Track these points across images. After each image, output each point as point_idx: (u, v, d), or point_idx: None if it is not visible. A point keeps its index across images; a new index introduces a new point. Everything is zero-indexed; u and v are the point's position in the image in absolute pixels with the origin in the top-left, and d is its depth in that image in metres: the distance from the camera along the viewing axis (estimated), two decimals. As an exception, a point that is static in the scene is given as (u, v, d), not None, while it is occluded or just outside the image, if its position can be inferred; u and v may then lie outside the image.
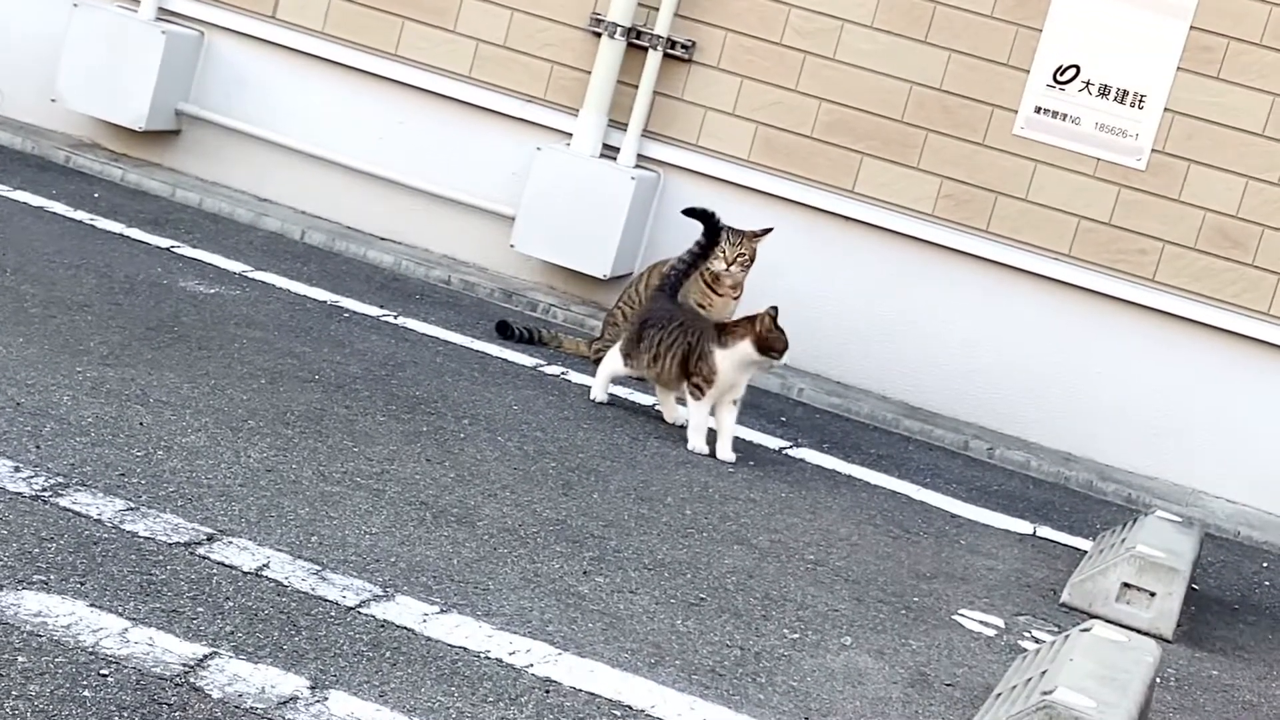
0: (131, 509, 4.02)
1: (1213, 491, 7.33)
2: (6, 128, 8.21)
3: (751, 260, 6.72)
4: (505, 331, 6.85)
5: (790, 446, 6.40)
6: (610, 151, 7.79)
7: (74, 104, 8.22)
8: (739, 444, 6.22)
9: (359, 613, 3.79)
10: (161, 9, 8.20)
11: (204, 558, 3.86)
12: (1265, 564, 6.61)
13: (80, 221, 6.96)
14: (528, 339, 6.88)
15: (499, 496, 4.86)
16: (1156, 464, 7.37)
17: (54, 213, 6.98)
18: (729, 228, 6.72)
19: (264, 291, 6.61)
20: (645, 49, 7.72)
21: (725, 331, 6.00)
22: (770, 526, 5.31)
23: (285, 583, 3.84)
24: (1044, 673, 3.91)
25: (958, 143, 7.50)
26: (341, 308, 6.67)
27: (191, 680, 3.26)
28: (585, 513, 4.94)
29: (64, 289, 5.83)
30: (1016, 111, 7.44)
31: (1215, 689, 4.89)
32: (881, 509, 5.89)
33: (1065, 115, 7.38)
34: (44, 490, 4.00)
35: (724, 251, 6.65)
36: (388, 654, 3.61)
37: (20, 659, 3.16)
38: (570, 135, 7.82)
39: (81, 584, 3.55)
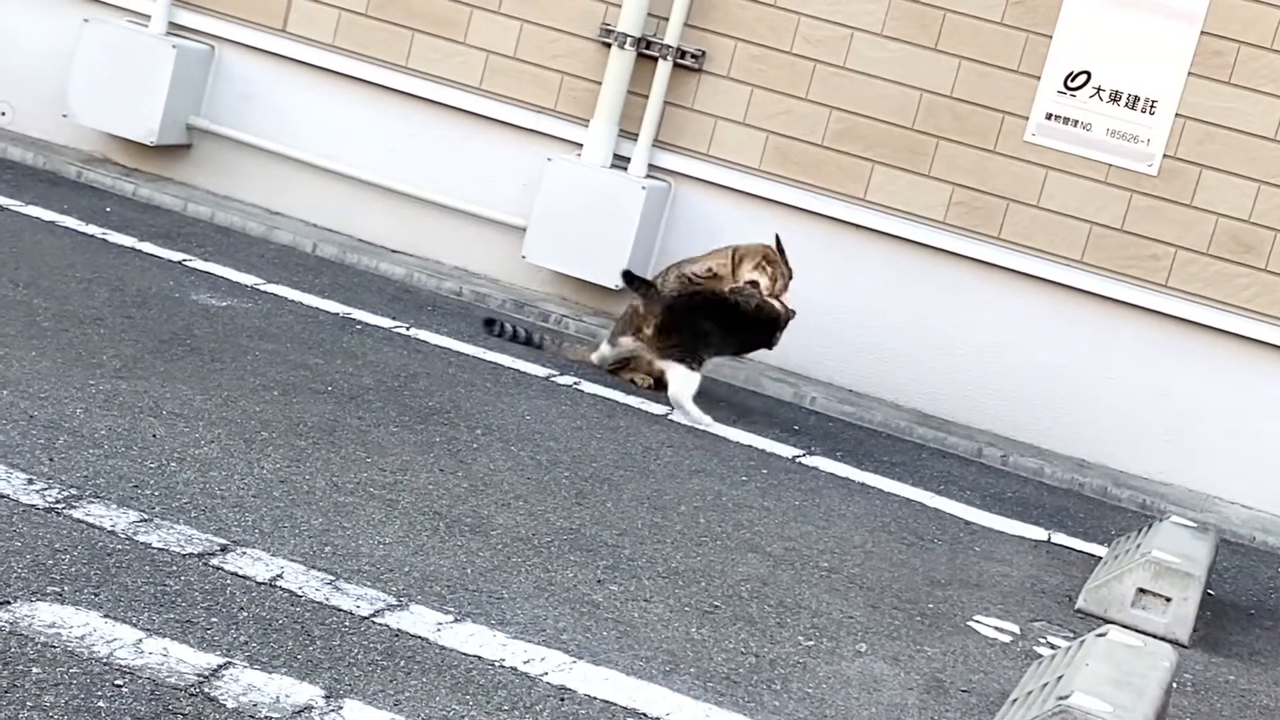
0: (145, 520, 4.02)
1: (1227, 497, 7.31)
2: (18, 144, 8.23)
3: None
4: (493, 328, 6.96)
5: (803, 455, 6.40)
6: (621, 162, 7.79)
7: (85, 119, 8.23)
8: (752, 453, 6.23)
9: (373, 622, 3.78)
10: (172, 23, 8.22)
11: (218, 568, 3.86)
12: (1281, 569, 6.60)
13: (92, 236, 6.97)
14: (524, 340, 6.94)
15: (512, 506, 4.86)
16: (1171, 470, 7.36)
17: (66, 227, 6.99)
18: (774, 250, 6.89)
19: (276, 304, 6.62)
20: (655, 59, 7.73)
21: None
22: (784, 534, 5.30)
23: (299, 593, 3.84)
24: (1060, 678, 3.90)
25: (969, 150, 7.49)
26: (354, 320, 6.67)
27: (206, 690, 3.26)
28: (599, 522, 4.93)
29: (76, 303, 5.84)
30: (1027, 118, 7.43)
31: (1232, 694, 4.88)
32: (895, 516, 5.88)
33: (1076, 121, 7.37)
34: (57, 502, 4.00)
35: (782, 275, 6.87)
36: (402, 663, 3.61)
37: (35, 670, 3.17)
38: (581, 146, 7.82)
39: (96, 595, 3.55)
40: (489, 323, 7.02)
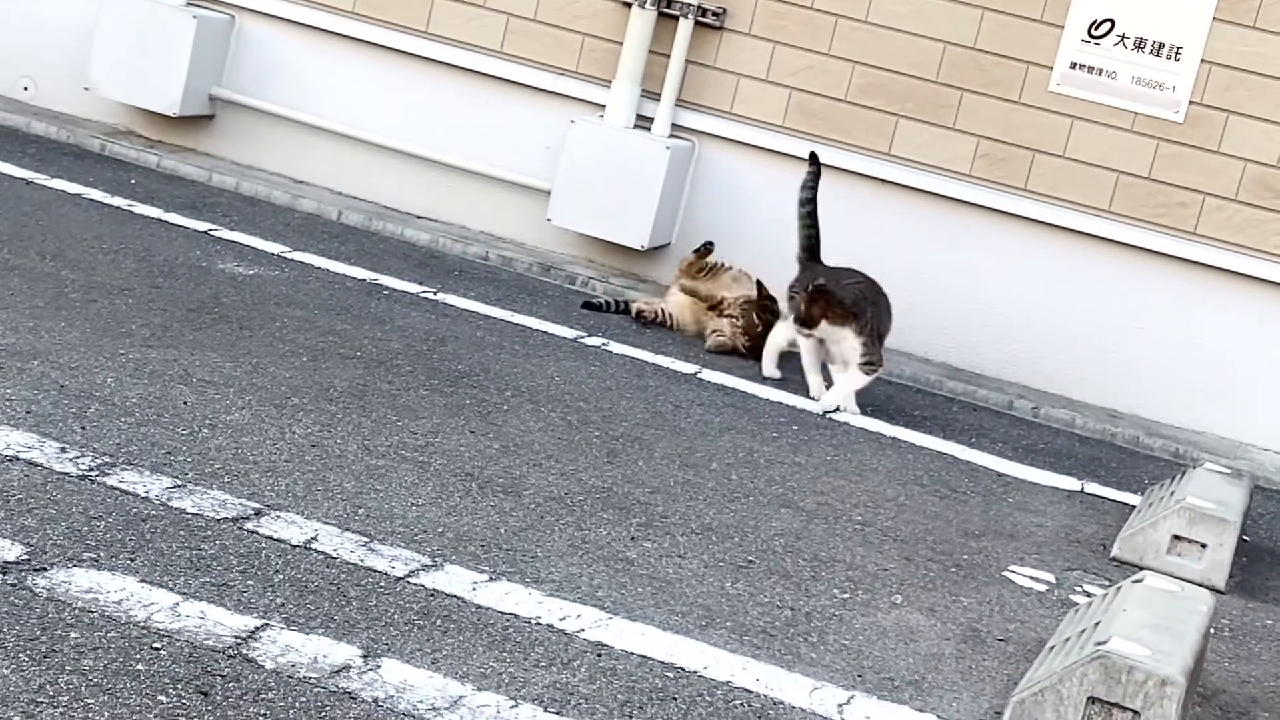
0: (179, 486, 4.03)
1: (1261, 444, 7.28)
2: (42, 118, 8.23)
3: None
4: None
5: (834, 410, 6.38)
6: (644, 122, 7.77)
7: (107, 92, 8.24)
8: (782, 409, 6.23)
9: (408, 582, 3.79)
10: (191, -6, 8.23)
11: (252, 532, 3.87)
12: (1316, 514, 6.57)
13: (118, 207, 6.98)
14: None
15: (544, 466, 4.86)
16: (1203, 418, 7.33)
17: (91, 199, 6.99)
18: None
19: (303, 271, 6.62)
20: (676, 18, 7.69)
21: None
22: (817, 489, 5.29)
23: (334, 555, 3.84)
24: (1097, 624, 3.89)
25: (993, 101, 7.45)
26: (381, 285, 6.67)
27: (244, 652, 3.27)
28: (631, 480, 4.93)
29: (104, 273, 5.84)
30: (1052, 68, 7.39)
31: (1270, 638, 4.86)
32: (928, 469, 5.87)
33: (1101, 70, 7.33)
34: (91, 470, 4.01)
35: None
36: (438, 622, 3.61)
37: (73, 635, 3.17)
38: (604, 107, 7.79)
39: (131, 560, 3.56)
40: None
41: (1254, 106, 7.19)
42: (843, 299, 6.27)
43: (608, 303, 7.19)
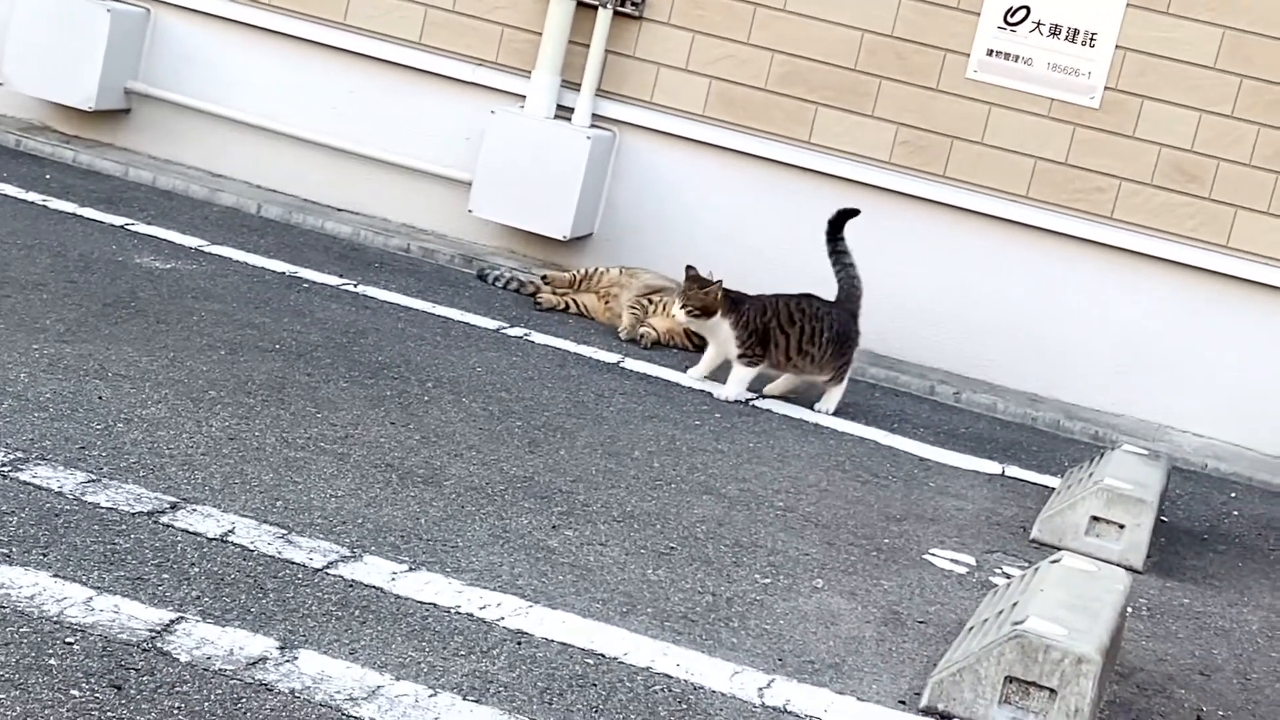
0: (93, 481, 3.99)
1: (1179, 426, 7.35)
2: (-45, 113, 8.15)
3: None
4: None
5: (755, 397, 6.40)
6: (565, 112, 7.76)
7: (22, 87, 8.15)
8: (705, 397, 6.23)
9: (327, 573, 3.77)
10: (106, -13, 8.15)
11: (168, 526, 3.84)
12: (1233, 494, 6.63)
13: (32, 203, 6.90)
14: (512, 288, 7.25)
15: (465, 456, 4.84)
16: (1122, 401, 7.39)
17: (5, 195, 6.92)
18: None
19: (221, 265, 6.57)
20: (595, 7, 7.68)
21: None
22: (739, 476, 5.30)
23: (251, 547, 3.82)
24: (1015, 604, 3.92)
25: (911, 89, 7.48)
26: (300, 278, 6.63)
27: (159, 645, 3.24)
28: (552, 469, 4.92)
29: (17, 269, 5.78)
30: (969, 55, 7.43)
31: (1187, 616, 4.91)
32: (850, 455, 5.89)
33: (1017, 57, 7.37)
34: (3, 465, 3.96)
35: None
36: (357, 613, 3.59)
37: (-15, 631, 3.14)
38: (524, 97, 7.78)
39: (44, 555, 3.52)
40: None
41: (1168, 91, 7.25)
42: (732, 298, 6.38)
43: (505, 278, 7.22)
